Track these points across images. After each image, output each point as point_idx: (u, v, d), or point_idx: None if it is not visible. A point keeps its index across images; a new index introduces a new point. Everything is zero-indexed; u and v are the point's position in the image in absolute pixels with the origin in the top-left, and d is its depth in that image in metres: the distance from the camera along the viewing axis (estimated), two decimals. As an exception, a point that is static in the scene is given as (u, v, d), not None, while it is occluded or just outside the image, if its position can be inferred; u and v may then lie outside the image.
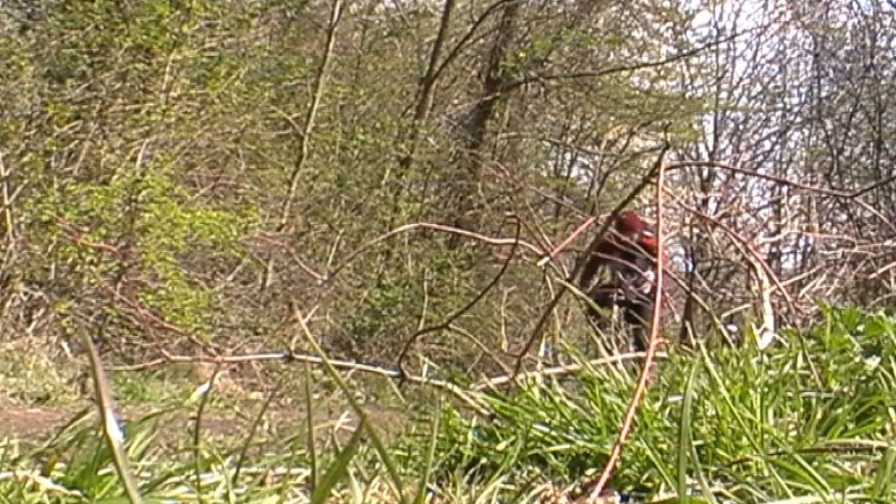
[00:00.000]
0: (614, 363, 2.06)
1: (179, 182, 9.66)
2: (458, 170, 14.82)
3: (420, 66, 14.75)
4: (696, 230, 8.60)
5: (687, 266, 15.08)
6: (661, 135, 16.26)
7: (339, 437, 1.32)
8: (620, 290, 7.76)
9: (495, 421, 1.94)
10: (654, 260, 7.41)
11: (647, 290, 7.75)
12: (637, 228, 7.86)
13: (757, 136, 19.54)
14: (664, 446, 1.56)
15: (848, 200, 11.19)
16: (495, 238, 10.46)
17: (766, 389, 1.72)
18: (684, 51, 17.08)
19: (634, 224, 8.14)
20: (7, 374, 7.51)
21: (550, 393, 1.90)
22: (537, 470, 1.64)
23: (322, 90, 12.21)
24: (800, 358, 2.01)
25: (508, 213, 13.69)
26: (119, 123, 9.50)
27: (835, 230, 11.31)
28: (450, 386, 2.16)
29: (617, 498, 1.49)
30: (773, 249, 13.15)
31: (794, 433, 1.62)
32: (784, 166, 18.84)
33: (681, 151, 18.29)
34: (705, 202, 12.36)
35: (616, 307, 8.32)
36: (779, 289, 3.44)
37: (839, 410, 1.65)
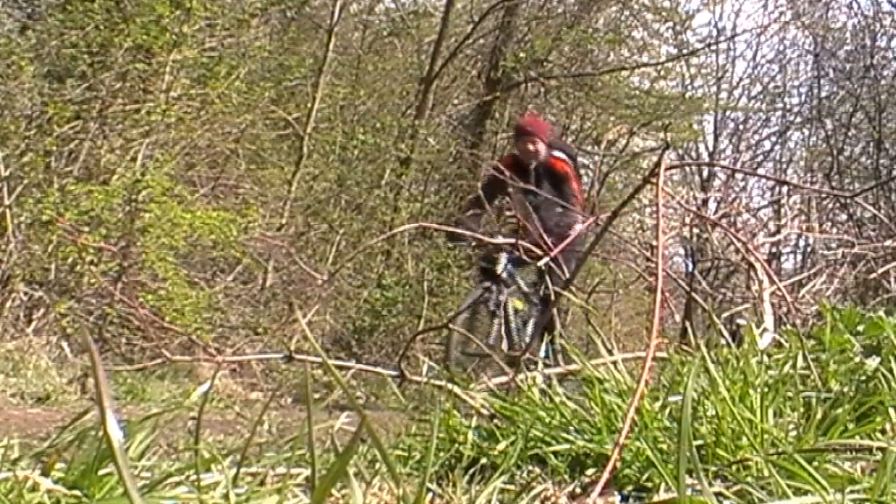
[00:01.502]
0: (614, 363, 2.06)
1: (179, 182, 9.66)
2: (458, 170, 14.81)
3: (420, 66, 14.74)
4: (696, 230, 8.59)
5: (687, 266, 15.09)
6: (661, 135, 16.27)
7: (338, 437, 1.32)
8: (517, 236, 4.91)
9: (495, 421, 1.94)
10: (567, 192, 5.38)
11: (560, 230, 4.99)
12: (541, 134, 5.87)
13: (757, 136, 19.54)
14: (664, 446, 1.56)
15: (848, 200, 11.18)
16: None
17: (766, 389, 1.72)
18: (684, 51, 17.08)
19: (537, 129, 5.95)
20: (7, 374, 7.49)
21: (550, 393, 1.90)
22: (537, 470, 1.64)
23: (322, 90, 12.21)
24: (800, 358, 2.01)
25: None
26: (119, 123, 9.50)
27: (835, 230, 11.30)
28: (450, 386, 2.16)
29: (617, 498, 1.49)
30: (773, 249, 13.14)
31: (794, 433, 1.62)
32: (784, 166, 18.83)
33: (681, 151, 18.29)
34: (705, 202, 12.34)
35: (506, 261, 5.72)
36: (779, 289, 3.44)
37: (839, 410, 1.65)
